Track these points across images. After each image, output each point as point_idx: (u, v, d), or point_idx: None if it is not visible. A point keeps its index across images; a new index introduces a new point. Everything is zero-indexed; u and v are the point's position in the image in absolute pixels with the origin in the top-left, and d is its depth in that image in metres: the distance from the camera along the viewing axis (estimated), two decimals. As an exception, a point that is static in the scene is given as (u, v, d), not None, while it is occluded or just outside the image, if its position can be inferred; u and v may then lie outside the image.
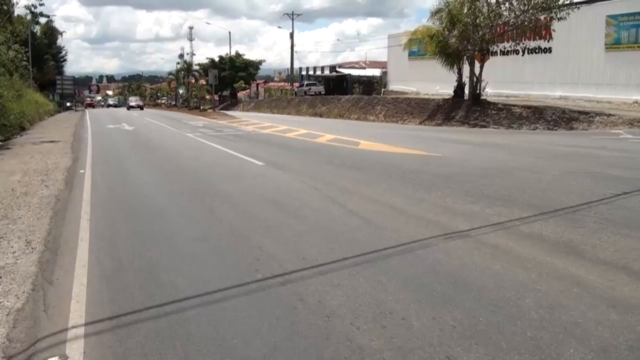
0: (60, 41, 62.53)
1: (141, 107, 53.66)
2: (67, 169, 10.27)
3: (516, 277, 3.94)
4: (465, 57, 23.18)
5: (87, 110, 51.29)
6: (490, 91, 24.60)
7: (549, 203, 6.45)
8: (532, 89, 28.04)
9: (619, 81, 24.14)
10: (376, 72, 49.14)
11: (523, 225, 5.44)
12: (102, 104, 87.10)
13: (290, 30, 56.25)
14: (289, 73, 66.50)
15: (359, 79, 46.74)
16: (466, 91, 23.86)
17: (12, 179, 9.01)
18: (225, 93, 68.27)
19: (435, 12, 23.69)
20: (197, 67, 69.76)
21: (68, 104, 62.30)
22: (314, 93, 44.53)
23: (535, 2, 20.56)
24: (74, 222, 5.95)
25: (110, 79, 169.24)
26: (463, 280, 3.90)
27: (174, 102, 75.71)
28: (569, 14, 20.46)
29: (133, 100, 57.89)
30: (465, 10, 21.96)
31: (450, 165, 10.19)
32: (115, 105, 76.76)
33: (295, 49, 55.92)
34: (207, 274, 4.16)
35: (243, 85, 65.56)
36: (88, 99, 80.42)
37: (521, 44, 23.97)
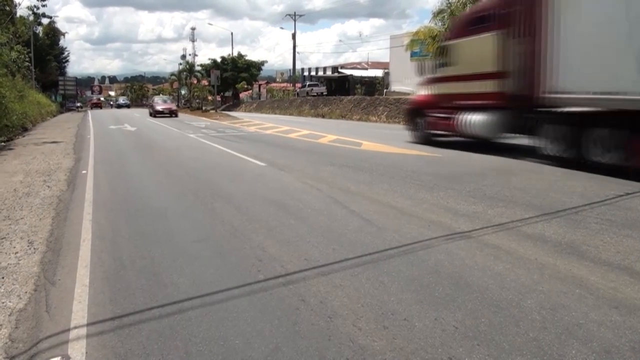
0: (62, 42, 62.66)
1: (174, 113, 36.26)
2: (69, 169, 10.28)
3: (518, 278, 3.94)
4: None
5: (89, 111, 50.13)
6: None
7: (551, 204, 6.44)
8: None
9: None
10: (378, 72, 49.20)
11: (525, 226, 5.44)
12: (111, 103, 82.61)
13: (293, 31, 56.32)
14: (291, 74, 66.64)
15: (361, 80, 46.80)
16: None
17: (15, 179, 9.03)
18: (228, 94, 68.43)
19: (437, 13, 23.74)
20: (199, 68, 69.90)
21: (78, 104, 61.66)
22: (316, 94, 44.57)
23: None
24: (76, 222, 5.96)
25: (113, 79, 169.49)
26: (465, 281, 3.90)
27: (176, 103, 75.77)
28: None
29: (160, 102, 38.43)
30: (468, 11, 21.80)
31: (452, 166, 10.19)
32: (126, 106, 69.31)
33: (297, 49, 56.05)
34: (208, 275, 4.16)
35: (245, 86, 65.72)
36: (94, 99, 75.52)
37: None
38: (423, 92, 14.90)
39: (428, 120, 14.11)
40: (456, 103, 12.83)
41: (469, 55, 12.48)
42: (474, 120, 12.03)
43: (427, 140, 14.18)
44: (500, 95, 11.27)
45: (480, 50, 11.89)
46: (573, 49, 9.30)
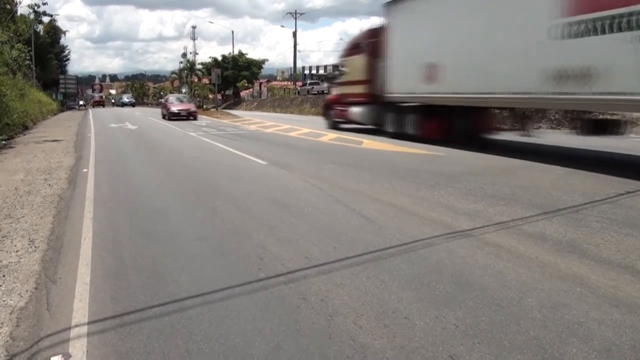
0: (63, 40, 62.52)
1: (192, 115, 29.43)
2: (70, 167, 10.29)
3: (519, 276, 3.94)
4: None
5: (90, 110, 49.56)
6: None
7: (552, 202, 6.44)
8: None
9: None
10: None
11: (526, 224, 5.43)
12: (113, 101, 76.69)
13: (293, 29, 56.30)
14: (292, 72, 66.58)
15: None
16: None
17: (16, 177, 9.03)
18: (228, 92, 68.49)
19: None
20: (200, 66, 69.91)
21: (81, 102, 60.70)
22: (316, 92, 44.53)
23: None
24: (77, 221, 5.97)
25: (114, 78, 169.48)
26: (466, 279, 3.90)
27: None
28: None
29: (176, 103, 30.91)
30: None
31: (453, 164, 10.18)
32: (131, 104, 64.09)
33: (298, 48, 56.02)
34: (209, 273, 4.16)
35: (246, 85, 65.74)
36: (96, 97, 71.38)
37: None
38: (332, 92, 21.80)
39: (334, 112, 20.42)
40: (347, 100, 18.82)
41: (352, 68, 18.61)
42: (356, 111, 18.10)
43: (335, 126, 20.40)
44: (367, 95, 17.13)
45: (357, 65, 17.93)
46: (394, 66, 15.45)
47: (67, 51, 65.29)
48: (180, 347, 2.95)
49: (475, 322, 3.18)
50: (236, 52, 67.39)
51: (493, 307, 3.39)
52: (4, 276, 4.16)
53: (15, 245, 4.98)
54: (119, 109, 55.80)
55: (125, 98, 69.65)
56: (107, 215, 6.20)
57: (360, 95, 17.58)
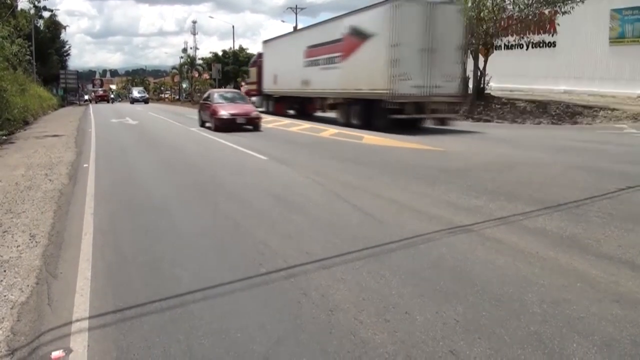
0: (63, 35, 62.06)
1: (254, 124, 17.18)
2: (70, 163, 10.29)
3: (519, 271, 3.94)
4: (469, 51, 23.10)
5: (90, 105, 48.36)
6: (494, 85, 24.53)
7: (552, 198, 6.43)
8: (536, 83, 27.89)
9: (623, 75, 24.00)
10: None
11: (526, 219, 5.43)
12: (112, 97, 72.81)
13: (294, 24, 56.17)
14: (292, 67, 66.44)
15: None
16: (470, 85, 23.77)
17: (16, 173, 9.04)
18: (229, 87, 68.30)
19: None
20: (200, 62, 69.78)
21: (86, 97, 59.20)
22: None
23: (537, -4, 21.25)
24: (77, 216, 5.97)
25: (114, 73, 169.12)
26: (466, 274, 3.90)
27: (177, 97, 75.57)
28: (573, 7, 20.36)
29: (226, 105, 17.84)
30: (469, 4, 21.87)
31: (453, 160, 10.17)
32: (144, 101, 53.78)
33: (298, 43, 55.78)
34: (210, 269, 4.17)
35: (246, 80, 65.49)
36: (100, 91, 65.24)
37: (525, 38, 24.02)
38: (244, 88, 36.04)
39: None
40: (250, 93, 29.87)
41: (252, 74, 32.00)
42: (253, 100, 27.77)
43: None
44: (257, 91, 29.62)
45: (254, 73, 30.87)
46: (265, 75, 28.25)
47: (67, 46, 64.72)
48: (181, 342, 2.95)
49: (475, 317, 3.19)
50: (237, 47, 67.07)
51: (493, 302, 3.39)
52: (5, 271, 4.17)
53: (16, 241, 4.99)
54: (119, 105, 54.46)
55: (136, 92, 57.21)
56: (107, 211, 6.21)
57: (255, 90, 30.29)
